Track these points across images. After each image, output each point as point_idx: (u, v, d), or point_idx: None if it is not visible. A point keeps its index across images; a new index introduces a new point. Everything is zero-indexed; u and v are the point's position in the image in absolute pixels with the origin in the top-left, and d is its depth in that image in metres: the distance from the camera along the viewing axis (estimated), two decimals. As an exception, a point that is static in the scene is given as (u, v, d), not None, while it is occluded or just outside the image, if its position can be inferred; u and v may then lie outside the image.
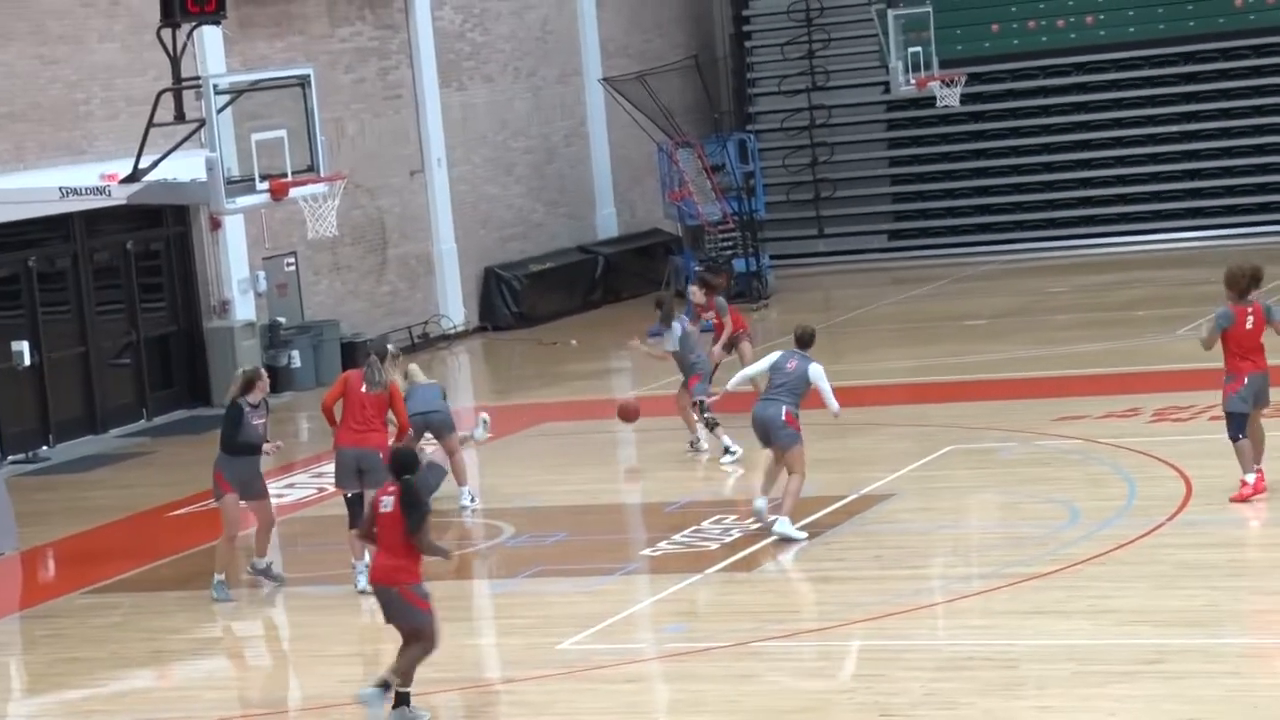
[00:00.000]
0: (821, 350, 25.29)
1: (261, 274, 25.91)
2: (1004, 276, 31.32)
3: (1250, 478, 14.98)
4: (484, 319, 30.12)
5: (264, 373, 15.41)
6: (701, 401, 18.68)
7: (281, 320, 25.91)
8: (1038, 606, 12.83)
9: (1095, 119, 34.10)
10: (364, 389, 14.85)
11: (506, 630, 13.89)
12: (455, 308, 29.50)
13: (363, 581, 14.55)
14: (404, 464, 11.59)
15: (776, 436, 15.19)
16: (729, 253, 31.11)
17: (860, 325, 27.50)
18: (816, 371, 15.33)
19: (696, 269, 29.67)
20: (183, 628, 14.42)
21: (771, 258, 32.18)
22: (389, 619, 11.61)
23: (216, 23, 17.12)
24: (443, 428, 17.11)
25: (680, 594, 13.99)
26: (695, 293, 19.95)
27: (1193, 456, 16.44)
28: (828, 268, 33.91)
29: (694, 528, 15.70)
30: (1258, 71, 33.34)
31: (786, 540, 14.95)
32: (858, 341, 25.99)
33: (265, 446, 14.92)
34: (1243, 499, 14.97)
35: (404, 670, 11.46)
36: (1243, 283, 15.12)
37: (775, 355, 15.57)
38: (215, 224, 25.01)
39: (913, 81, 30.42)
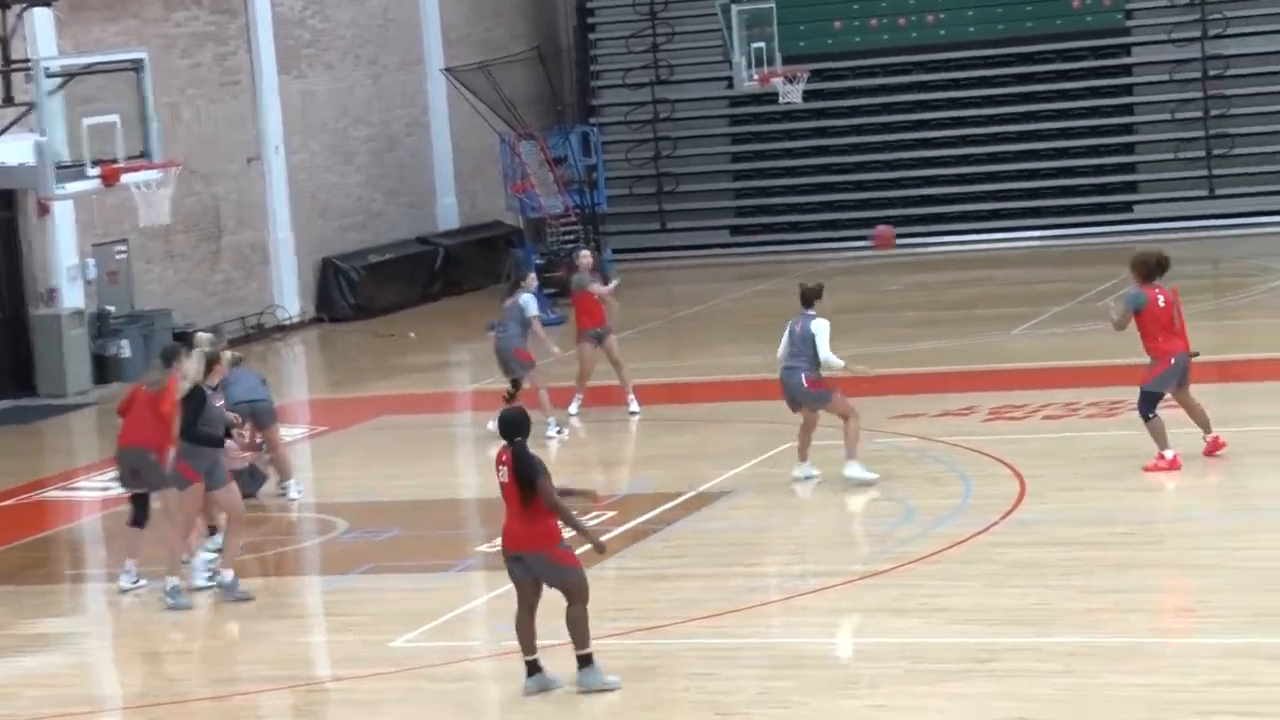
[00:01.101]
0: (662, 344, 25.68)
1: (91, 261, 25.48)
2: (846, 273, 31.58)
3: (1169, 454, 15.46)
4: (321, 310, 29.85)
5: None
6: (517, 381, 18.90)
7: (111, 309, 25.48)
8: (872, 605, 12.94)
9: (935, 117, 34.50)
10: (144, 387, 14.62)
11: (338, 628, 13.76)
12: (291, 298, 29.22)
13: (125, 581, 14.45)
14: (514, 427, 11.37)
15: (806, 400, 15.93)
16: (570, 246, 31.07)
17: (702, 320, 27.62)
18: (815, 326, 15.51)
19: (538, 262, 29.68)
20: (3, 623, 14.12)
21: (614, 251, 32.20)
22: (544, 582, 11.37)
23: (48, 4, 16.84)
24: (265, 415, 16.92)
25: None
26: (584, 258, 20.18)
27: (1027, 455, 16.68)
28: (670, 262, 34.00)
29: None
30: (1094, 73, 33.94)
31: (860, 482, 15.63)
32: (699, 337, 26.09)
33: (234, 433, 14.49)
34: (1155, 469, 15.59)
35: (579, 635, 11.38)
36: (1147, 266, 15.71)
37: (790, 321, 15.93)
38: (43, 209, 24.54)
39: (755, 77, 30.59)
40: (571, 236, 31.28)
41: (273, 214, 29.09)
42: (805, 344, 15.77)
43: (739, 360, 24.06)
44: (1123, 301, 15.72)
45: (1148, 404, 15.63)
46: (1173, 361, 15.53)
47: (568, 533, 11.54)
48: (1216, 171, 32.85)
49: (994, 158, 34.10)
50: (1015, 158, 33.95)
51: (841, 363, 16.00)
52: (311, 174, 30.26)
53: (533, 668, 11.47)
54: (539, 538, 11.30)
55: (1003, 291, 28.23)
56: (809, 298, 15.94)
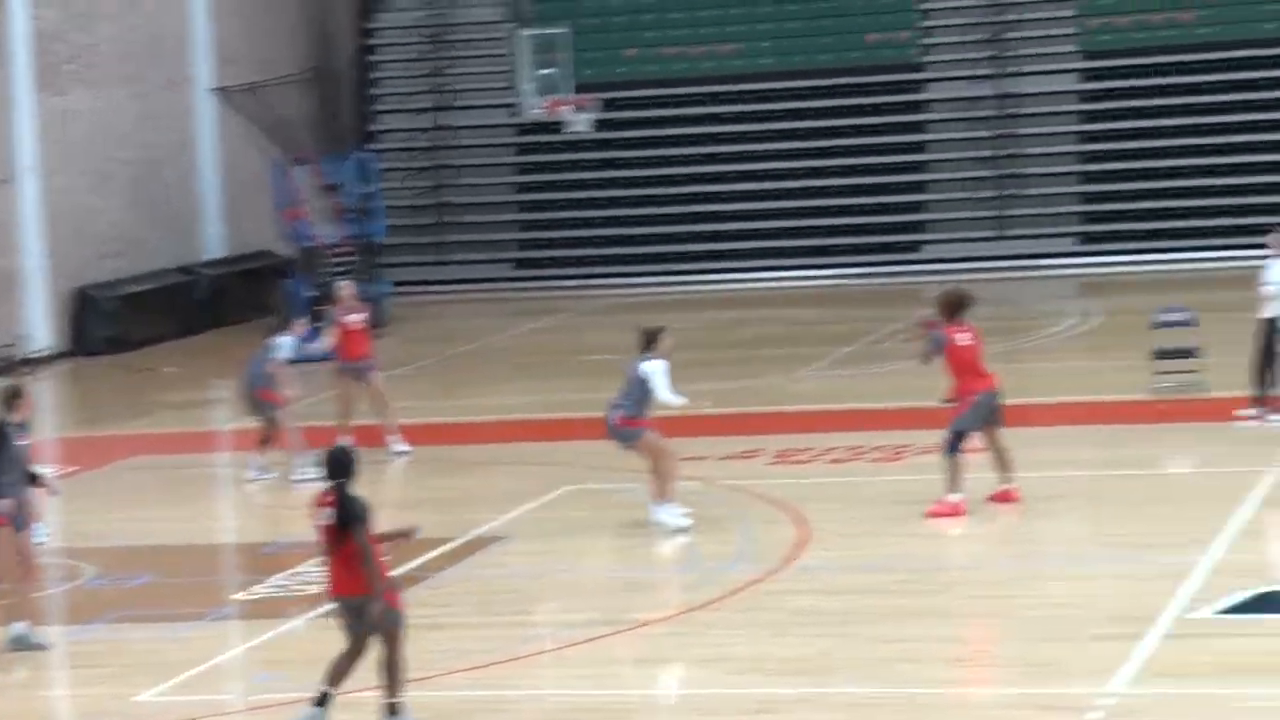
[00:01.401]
0: (435, 382, 25.53)
1: None
2: (630, 310, 31.62)
3: (954, 498, 15.55)
4: (74, 343, 29.20)
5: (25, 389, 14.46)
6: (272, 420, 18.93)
7: None
8: (650, 654, 12.94)
9: (726, 151, 34.81)
10: None
11: (82, 680, 13.43)
12: (41, 329, 28.54)
13: None
14: (338, 467, 11.22)
15: (615, 437, 16.06)
16: (345, 278, 30.79)
17: (481, 358, 27.52)
18: (647, 369, 15.72)
19: (309, 294, 29.36)
20: None
21: (391, 284, 31.98)
22: (365, 630, 11.17)
23: None
24: None
25: (274, 642, 13.71)
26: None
27: (811, 500, 16.82)
28: (450, 296, 33.86)
29: (293, 570, 15.42)
30: (887, 109, 34.51)
31: (671, 529, 15.68)
32: (478, 374, 25.98)
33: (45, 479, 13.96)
34: (938, 514, 15.69)
35: (396, 681, 11.23)
36: (950, 304, 15.97)
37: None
38: None
39: (543, 105, 30.62)
40: (346, 268, 31.00)
41: (23, 239, 28.43)
42: (634, 385, 15.92)
43: (516, 400, 24.02)
44: (929, 338, 16.03)
45: (954, 441, 15.87)
46: (978, 400, 15.81)
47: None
48: (1006, 211, 33.56)
49: (784, 193, 34.48)
50: (806, 194, 34.38)
51: (682, 400, 16.02)
52: (69, 197, 29.62)
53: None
54: (359, 584, 11.13)
55: (790, 331, 28.52)
56: (647, 341, 16.02)
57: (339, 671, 11.38)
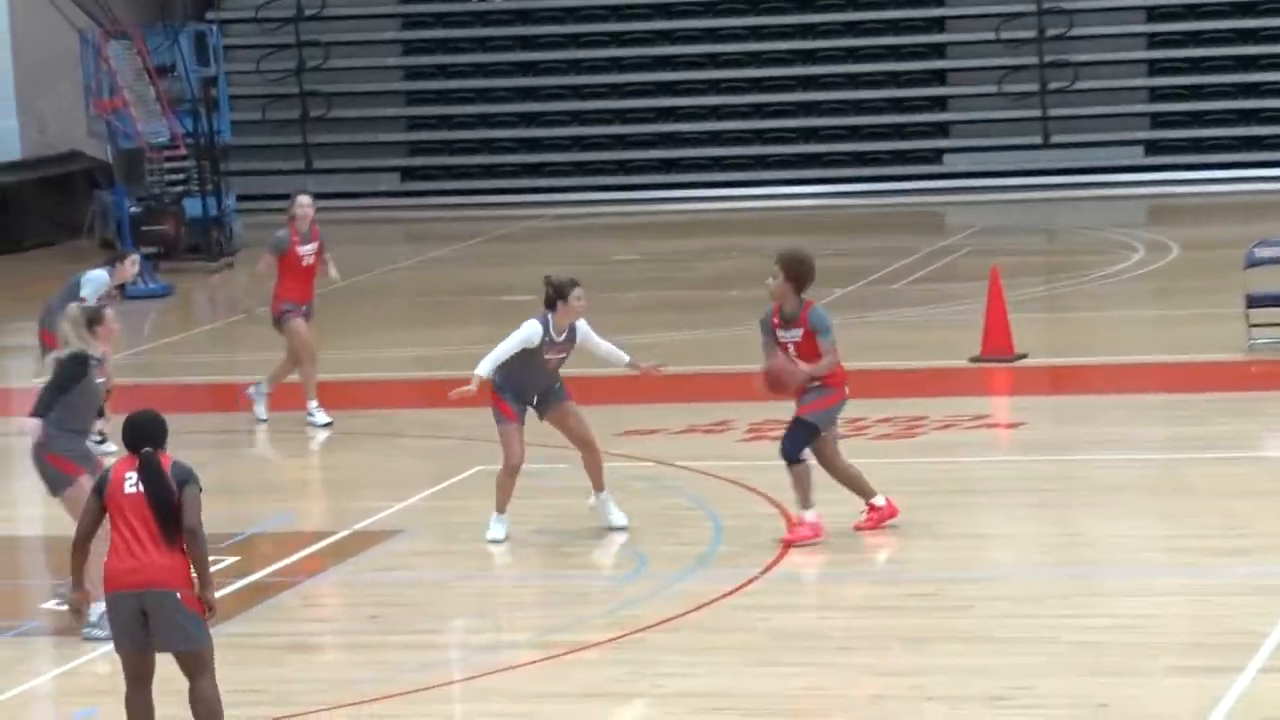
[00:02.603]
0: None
1: None
2: (557, 236, 31.91)
3: (810, 515, 15.61)
4: None
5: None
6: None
7: None
8: (588, 687, 13.12)
9: (685, 28, 34.93)
10: None
11: None
12: None
13: None
14: (148, 431, 11.39)
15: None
16: (179, 189, 30.90)
17: (362, 297, 27.64)
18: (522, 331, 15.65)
19: (136, 210, 29.47)
20: None
21: (239, 198, 32.07)
22: (154, 643, 11.33)
23: None
24: None
25: (95, 664, 13.87)
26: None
27: (797, 488, 17.01)
28: (319, 215, 33.78)
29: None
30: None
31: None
32: (360, 319, 26.11)
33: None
34: (797, 541, 15.55)
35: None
36: (811, 275, 15.70)
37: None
38: None
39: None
40: (180, 176, 31.11)
41: None
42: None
43: (409, 353, 24.15)
44: (826, 332, 15.67)
45: (801, 441, 15.72)
46: (846, 393, 15.77)
47: None
48: (1052, 111, 33.81)
49: (763, 84, 34.66)
50: (791, 85, 34.57)
51: (626, 358, 16.22)
52: None
53: None
54: (169, 573, 11.33)
55: (770, 266, 28.66)
56: (551, 295, 15.92)
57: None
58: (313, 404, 20.08)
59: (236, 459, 19.61)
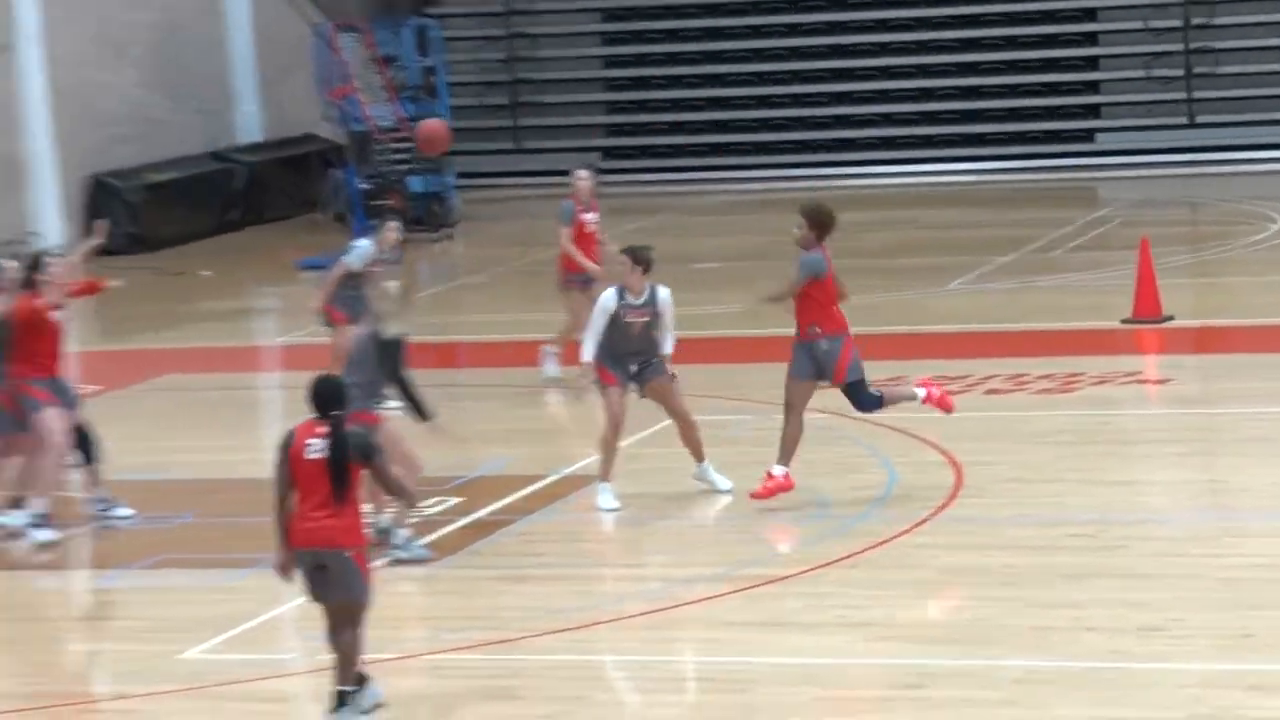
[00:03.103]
0: (515, 292, 25.76)
1: None
2: (742, 210, 31.87)
3: (780, 471, 15.28)
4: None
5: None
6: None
7: None
8: (774, 616, 13.15)
9: (856, 19, 34.74)
10: None
11: (118, 634, 13.82)
12: (53, 224, 28.99)
13: None
14: (330, 396, 11.38)
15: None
16: (403, 168, 31.11)
17: (566, 264, 27.69)
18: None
19: (365, 187, 29.71)
20: None
21: (458, 176, 32.26)
22: (325, 592, 11.36)
23: None
24: None
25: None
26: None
27: (964, 439, 16.97)
28: (527, 191, 34.06)
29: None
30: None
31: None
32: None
33: None
34: (765, 494, 15.28)
35: (352, 663, 11.32)
36: (833, 223, 15.56)
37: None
38: None
39: (639, -37, 30.78)
40: (404, 155, 31.31)
41: (26, 119, 28.81)
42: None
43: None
44: (800, 266, 15.55)
45: (867, 399, 15.34)
46: (850, 334, 15.39)
47: None
48: (1197, 94, 33.42)
49: (927, 70, 34.46)
50: (954, 71, 34.35)
51: (668, 349, 15.74)
52: (75, 69, 29.96)
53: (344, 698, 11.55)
54: (344, 533, 11.39)
55: (934, 237, 28.60)
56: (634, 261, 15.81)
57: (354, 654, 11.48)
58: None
59: (459, 410, 19.74)
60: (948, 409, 15.76)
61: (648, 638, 13.04)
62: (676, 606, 13.46)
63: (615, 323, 15.60)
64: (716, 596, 13.51)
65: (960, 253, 26.34)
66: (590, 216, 19.87)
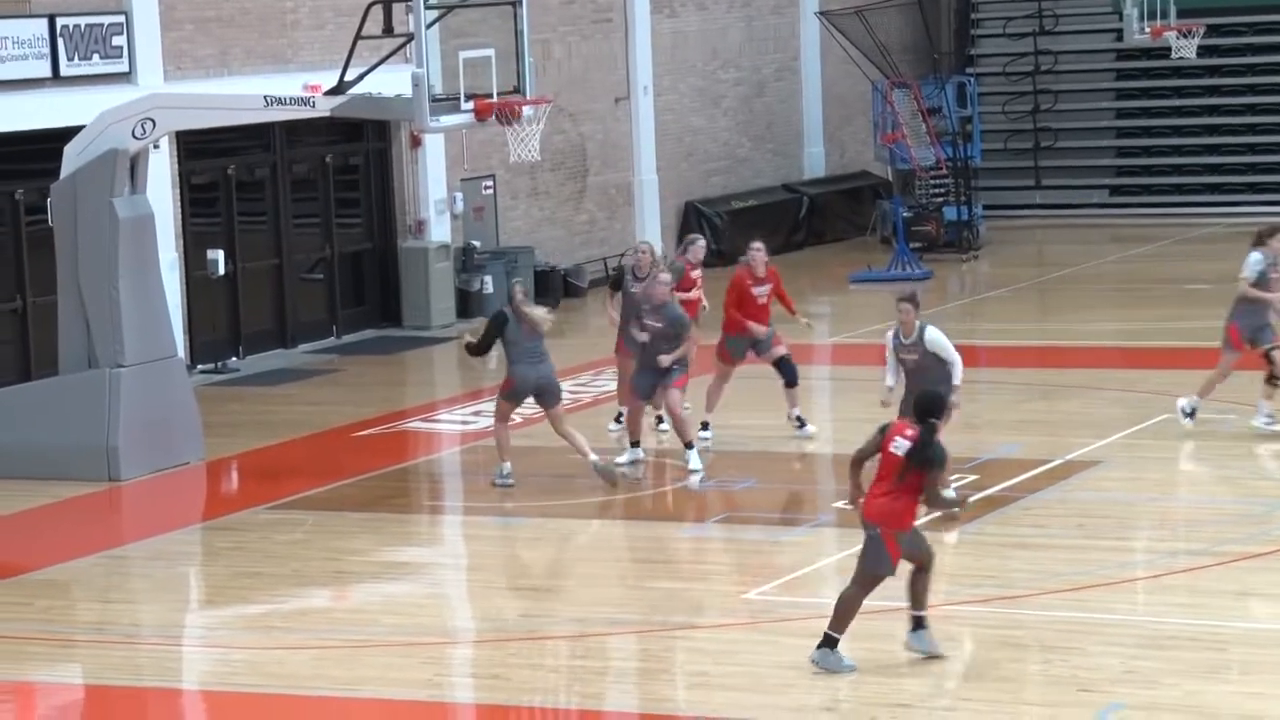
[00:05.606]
0: (1031, 307, 25.29)
1: (459, 195, 26.16)
2: (1232, 240, 30.54)
3: None
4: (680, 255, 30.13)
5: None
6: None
7: (476, 244, 26.13)
8: (1248, 587, 12.63)
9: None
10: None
11: (691, 575, 13.97)
12: (654, 240, 29.51)
13: None
14: (931, 408, 11.45)
15: None
16: (940, 200, 30.84)
17: (1074, 283, 27.14)
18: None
19: (907, 215, 29.56)
20: (364, 549, 14.67)
21: (984, 207, 31.85)
22: (863, 556, 11.50)
23: (430, -63, 17.24)
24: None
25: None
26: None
27: None
28: (1043, 221, 33.50)
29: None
30: None
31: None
32: (1070, 300, 25.66)
33: None
34: None
35: (844, 616, 11.42)
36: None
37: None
38: (416, 141, 25.27)
39: (1147, 30, 29.88)
40: (941, 190, 31.03)
41: (638, 155, 29.47)
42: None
43: (1111, 327, 23.65)
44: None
45: None
46: None
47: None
48: None
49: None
50: None
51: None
52: (678, 116, 30.55)
53: (919, 623, 11.48)
54: (890, 516, 11.29)
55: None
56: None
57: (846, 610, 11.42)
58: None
59: (973, 401, 19.47)
60: None
61: (1135, 600, 12.66)
62: (1162, 575, 13.02)
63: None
64: (1198, 568, 13.03)
65: None
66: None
